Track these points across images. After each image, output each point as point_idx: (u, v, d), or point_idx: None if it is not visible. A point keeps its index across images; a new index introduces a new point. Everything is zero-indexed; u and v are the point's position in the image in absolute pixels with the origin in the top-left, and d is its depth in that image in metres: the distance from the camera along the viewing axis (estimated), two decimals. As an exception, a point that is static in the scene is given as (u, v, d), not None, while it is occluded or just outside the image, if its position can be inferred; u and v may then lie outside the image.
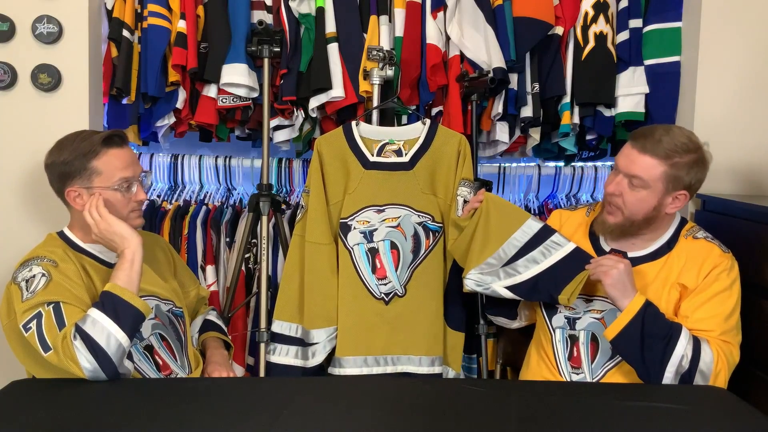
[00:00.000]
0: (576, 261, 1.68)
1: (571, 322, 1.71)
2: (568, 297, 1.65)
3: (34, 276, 1.47)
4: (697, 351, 1.51)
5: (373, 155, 1.97)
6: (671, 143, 1.57)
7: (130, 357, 1.51)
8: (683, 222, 1.71)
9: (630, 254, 1.68)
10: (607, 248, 1.73)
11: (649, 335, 1.52)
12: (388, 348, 1.93)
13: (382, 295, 1.93)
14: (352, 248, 1.94)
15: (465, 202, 1.90)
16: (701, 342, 1.53)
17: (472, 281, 1.77)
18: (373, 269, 1.94)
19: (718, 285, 1.59)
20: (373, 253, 1.94)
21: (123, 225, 1.55)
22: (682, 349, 1.51)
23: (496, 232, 1.77)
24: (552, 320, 1.74)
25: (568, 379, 1.68)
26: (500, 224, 1.78)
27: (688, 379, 1.51)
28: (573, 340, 1.70)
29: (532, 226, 1.76)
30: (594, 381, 1.66)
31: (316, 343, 1.94)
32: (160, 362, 1.60)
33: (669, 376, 1.51)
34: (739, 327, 1.61)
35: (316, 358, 1.94)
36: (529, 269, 1.72)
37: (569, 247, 1.71)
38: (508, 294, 1.74)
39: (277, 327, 1.99)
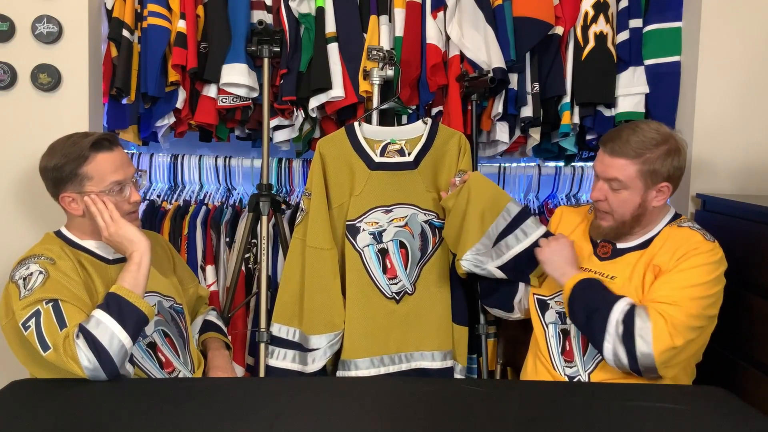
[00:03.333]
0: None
1: (563, 317, 1.74)
2: (537, 279, 1.81)
3: (31, 274, 1.47)
4: (630, 316, 1.53)
5: (377, 156, 1.97)
6: (639, 141, 1.61)
7: (131, 359, 1.52)
8: (676, 216, 1.73)
9: (618, 245, 1.71)
10: (598, 239, 1.76)
11: (589, 309, 1.58)
12: (401, 346, 1.93)
13: (393, 294, 1.94)
14: (362, 250, 1.94)
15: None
16: (636, 307, 1.55)
17: (468, 262, 1.83)
18: (384, 269, 1.94)
19: (686, 264, 1.59)
20: (383, 253, 1.94)
21: (133, 229, 1.56)
22: (615, 316, 1.54)
23: (485, 211, 1.83)
24: (545, 316, 1.77)
25: (562, 374, 1.69)
26: (488, 203, 1.83)
27: (631, 345, 1.52)
28: (565, 334, 1.72)
29: (512, 208, 1.84)
30: (586, 373, 1.67)
31: (316, 349, 1.93)
32: (163, 359, 1.61)
33: (610, 341, 1.54)
34: (703, 303, 1.56)
35: (316, 364, 1.93)
36: (511, 249, 1.81)
37: (541, 230, 1.82)
38: (500, 274, 1.81)
39: (276, 330, 1.99)
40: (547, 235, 1.80)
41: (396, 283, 1.94)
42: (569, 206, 1.97)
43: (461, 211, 1.84)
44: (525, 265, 1.80)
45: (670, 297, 1.55)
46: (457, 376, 1.97)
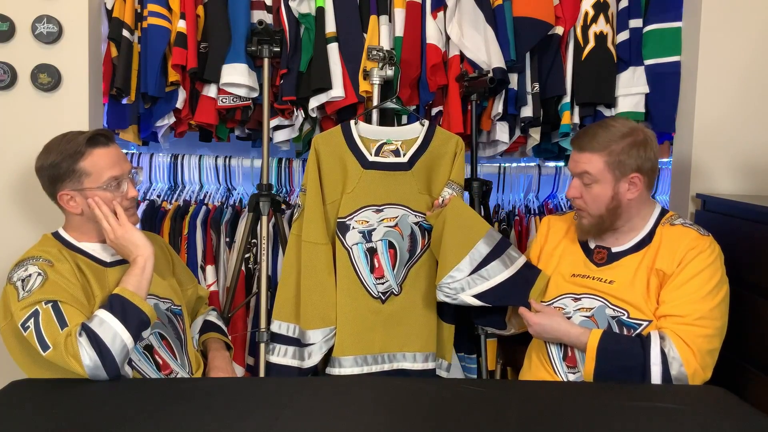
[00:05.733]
0: (530, 270, 1.81)
1: None
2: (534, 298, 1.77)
3: (30, 275, 1.47)
4: (665, 361, 1.53)
5: (371, 155, 1.97)
6: (605, 135, 1.65)
7: (129, 361, 1.52)
8: (663, 212, 1.74)
9: (613, 249, 1.72)
10: (592, 245, 1.76)
11: (620, 361, 1.57)
12: (384, 346, 1.93)
13: (379, 294, 1.93)
14: (351, 248, 1.94)
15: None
16: (665, 348, 1.54)
17: (441, 293, 1.81)
18: (372, 269, 1.94)
19: (692, 267, 1.60)
20: (372, 252, 1.94)
21: (139, 234, 1.57)
22: (658, 373, 1.54)
23: (459, 240, 1.81)
24: None
25: (565, 379, 1.68)
26: (462, 230, 1.82)
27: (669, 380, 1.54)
28: None
29: (495, 235, 1.85)
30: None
31: (312, 344, 1.93)
32: (160, 362, 1.60)
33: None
34: (721, 310, 1.59)
35: (313, 359, 1.94)
36: (496, 275, 1.79)
37: (522, 258, 1.84)
38: (476, 302, 1.78)
39: (276, 327, 1.99)
40: (528, 265, 1.82)
41: (383, 283, 1.94)
42: (554, 215, 1.96)
43: (438, 237, 1.85)
44: (514, 291, 1.78)
45: (691, 312, 1.56)
46: (443, 373, 1.98)
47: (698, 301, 1.57)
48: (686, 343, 1.54)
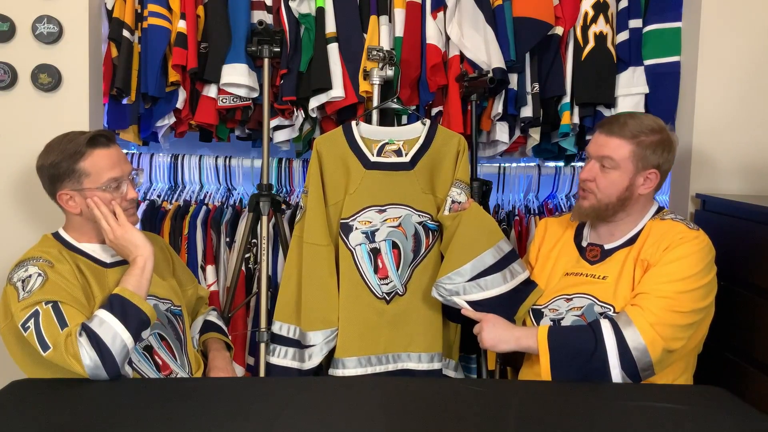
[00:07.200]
0: (527, 286, 1.80)
1: (557, 324, 1.72)
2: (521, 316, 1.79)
3: (30, 276, 1.47)
4: (619, 333, 1.52)
5: (373, 155, 1.97)
6: (636, 125, 1.65)
7: (129, 362, 1.52)
8: (659, 210, 1.74)
9: (606, 246, 1.72)
10: (584, 243, 1.77)
11: (580, 350, 1.55)
12: (389, 346, 1.93)
13: (384, 294, 1.93)
14: (354, 249, 1.94)
15: (453, 202, 1.93)
16: (619, 322, 1.54)
17: (436, 290, 1.82)
18: (375, 269, 1.94)
19: (674, 253, 1.58)
20: (375, 253, 1.94)
21: (138, 234, 1.57)
22: (611, 344, 1.52)
23: (467, 246, 1.81)
24: (540, 324, 1.75)
25: None
26: (472, 239, 1.82)
27: (633, 368, 1.52)
28: None
29: (504, 247, 1.84)
30: None
31: (312, 345, 1.93)
32: (160, 362, 1.60)
33: (617, 369, 1.52)
34: (700, 295, 1.56)
35: (313, 360, 1.93)
36: (495, 287, 1.78)
37: (525, 273, 1.83)
38: (468, 307, 1.78)
39: (276, 328, 1.99)
40: (527, 281, 1.81)
41: (387, 284, 1.94)
42: (552, 217, 1.97)
43: (450, 237, 1.86)
44: (506, 305, 1.77)
45: (657, 290, 1.55)
46: (450, 372, 1.98)
47: (672, 282, 1.55)
48: (643, 309, 1.53)
